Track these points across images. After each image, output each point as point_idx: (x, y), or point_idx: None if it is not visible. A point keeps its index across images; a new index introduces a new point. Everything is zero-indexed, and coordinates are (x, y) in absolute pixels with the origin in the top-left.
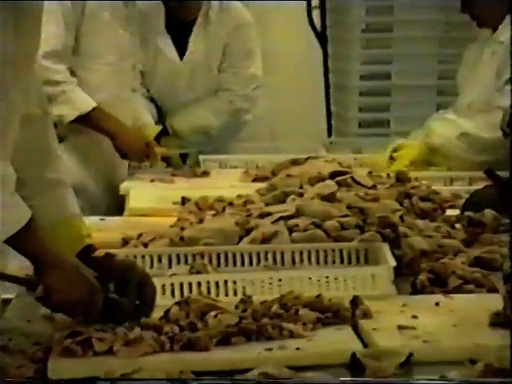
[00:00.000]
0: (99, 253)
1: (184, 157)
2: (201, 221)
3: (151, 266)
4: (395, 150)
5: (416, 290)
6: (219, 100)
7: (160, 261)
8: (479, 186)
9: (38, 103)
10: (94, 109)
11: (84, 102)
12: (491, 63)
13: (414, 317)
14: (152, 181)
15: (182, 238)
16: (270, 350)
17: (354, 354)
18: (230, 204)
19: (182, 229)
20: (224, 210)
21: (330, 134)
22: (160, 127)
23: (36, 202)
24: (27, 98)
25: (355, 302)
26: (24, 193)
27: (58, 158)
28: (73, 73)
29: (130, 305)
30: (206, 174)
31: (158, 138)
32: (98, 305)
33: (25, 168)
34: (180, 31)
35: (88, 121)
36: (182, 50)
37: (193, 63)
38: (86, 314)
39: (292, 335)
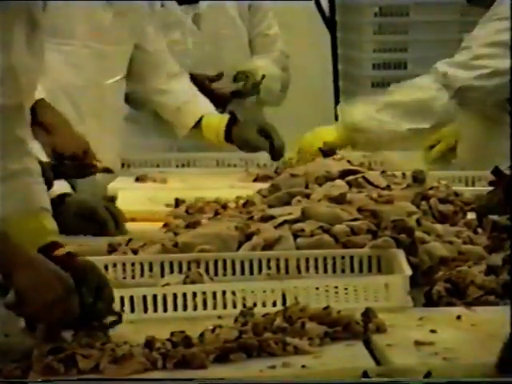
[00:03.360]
0: (61, 251)
1: None
2: (196, 225)
3: (141, 275)
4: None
5: (431, 302)
6: (272, 56)
7: (151, 269)
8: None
9: (12, 93)
10: (38, 101)
11: None
12: None
13: (433, 331)
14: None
15: (175, 244)
16: (273, 367)
17: (365, 373)
18: (229, 206)
19: (176, 234)
20: (221, 213)
21: None
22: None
23: None
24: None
25: (367, 314)
26: None
27: (28, 154)
28: None
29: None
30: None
31: None
32: (75, 305)
33: None
34: None
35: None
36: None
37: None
38: (63, 317)
39: (297, 351)
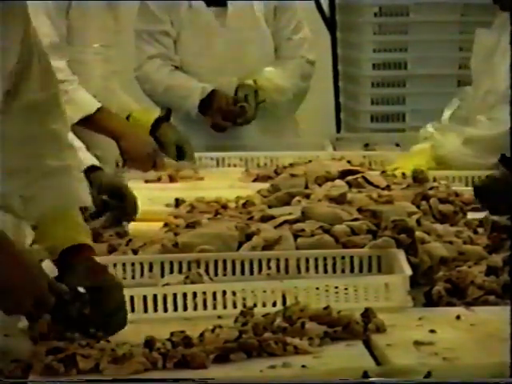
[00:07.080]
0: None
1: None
2: (196, 225)
3: (141, 275)
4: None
5: (431, 302)
6: (293, 63)
7: (151, 269)
8: None
9: (42, 87)
10: (98, 109)
11: (88, 103)
12: (509, 51)
13: (432, 331)
14: (147, 181)
15: (175, 244)
16: (273, 367)
17: (365, 373)
18: (229, 206)
19: (176, 234)
20: (221, 213)
21: (338, 129)
22: (158, 111)
23: (35, 189)
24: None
25: (367, 314)
26: (24, 181)
27: (67, 146)
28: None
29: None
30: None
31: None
32: (43, 296)
33: (25, 157)
34: None
35: (93, 122)
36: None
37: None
38: (29, 307)
39: (297, 351)
